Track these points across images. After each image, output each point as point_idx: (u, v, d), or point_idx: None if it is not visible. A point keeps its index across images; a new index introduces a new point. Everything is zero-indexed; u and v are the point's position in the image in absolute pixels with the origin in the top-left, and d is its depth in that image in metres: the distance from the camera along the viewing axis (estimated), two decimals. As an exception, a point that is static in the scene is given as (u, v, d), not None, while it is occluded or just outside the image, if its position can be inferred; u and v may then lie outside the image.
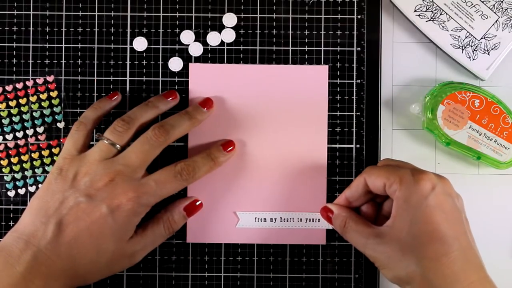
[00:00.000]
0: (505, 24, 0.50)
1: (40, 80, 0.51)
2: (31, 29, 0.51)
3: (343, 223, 0.45)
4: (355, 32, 0.52)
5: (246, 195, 0.51)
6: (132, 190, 0.44)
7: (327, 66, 0.51)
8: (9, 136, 0.51)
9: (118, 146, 0.45)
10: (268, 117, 0.51)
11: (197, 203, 0.49)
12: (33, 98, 0.51)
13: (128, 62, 0.51)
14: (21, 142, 0.51)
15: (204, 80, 0.51)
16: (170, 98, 0.49)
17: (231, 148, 0.49)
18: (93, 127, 0.48)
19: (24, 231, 0.43)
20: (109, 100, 0.49)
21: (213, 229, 0.51)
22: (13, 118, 0.51)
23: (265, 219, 0.51)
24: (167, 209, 0.48)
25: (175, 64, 0.52)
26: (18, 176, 0.51)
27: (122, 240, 0.44)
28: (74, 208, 0.43)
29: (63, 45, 0.51)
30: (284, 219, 0.51)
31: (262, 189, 0.51)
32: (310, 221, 0.51)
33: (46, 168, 0.51)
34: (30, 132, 0.51)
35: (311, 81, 0.51)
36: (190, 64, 0.51)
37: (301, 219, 0.51)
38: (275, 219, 0.51)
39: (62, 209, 0.43)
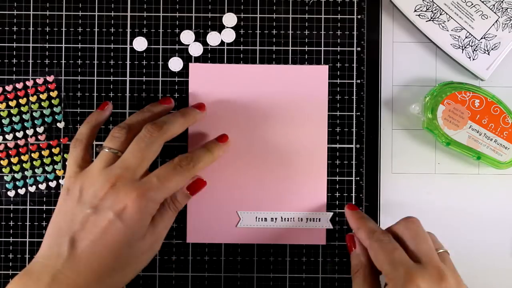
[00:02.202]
0: (505, 24, 0.50)
1: (40, 80, 0.51)
2: (31, 29, 0.51)
3: (356, 269, 0.45)
4: (355, 32, 0.52)
5: (246, 195, 0.51)
6: (134, 191, 0.43)
7: (327, 66, 0.51)
8: (9, 136, 0.51)
9: (118, 152, 0.45)
10: (268, 117, 0.51)
11: (200, 180, 0.49)
12: (33, 98, 0.51)
13: (128, 62, 0.51)
14: (21, 142, 0.51)
15: (204, 80, 0.51)
16: (165, 104, 0.50)
17: (225, 140, 0.49)
18: (89, 141, 0.47)
19: (43, 255, 0.43)
20: (101, 112, 0.49)
21: (214, 229, 0.51)
22: (13, 118, 0.51)
23: (265, 218, 0.51)
24: None
25: (175, 64, 0.52)
26: (18, 176, 0.51)
27: (138, 241, 0.44)
28: (84, 222, 0.43)
29: (63, 45, 0.51)
30: (285, 218, 0.51)
31: (263, 189, 0.51)
32: (310, 220, 0.51)
33: (46, 168, 0.51)
34: (30, 132, 0.51)
35: (311, 81, 0.51)
36: (190, 64, 0.51)
37: (301, 218, 0.51)
38: (276, 218, 0.51)
39: (73, 226, 0.43)
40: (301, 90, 0.51)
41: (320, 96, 0.51)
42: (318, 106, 0.51)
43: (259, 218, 0.51)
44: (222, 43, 0.52)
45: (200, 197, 0.50)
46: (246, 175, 0.51)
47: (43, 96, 0.51)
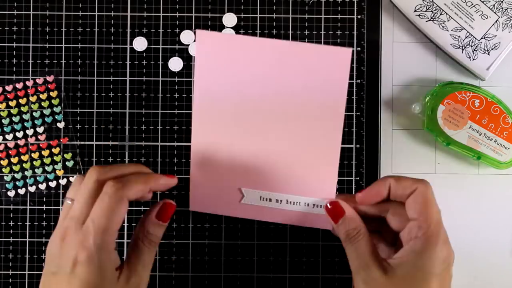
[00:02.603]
0: (505, 24, 0.50)
1: (40, 80, 0.51)
2: (31, 29, 0.51)
3: (356, 232, 0.42)
4: (355, 32, 0.52)
5: (251, 176, 0.47)
6: (79, 240, 0.39)
7: (350, 49, 0.45)
8: (9, 136, 0.51)
9: (69, 200, 0.42)
10: (280, 97, 0.46)
11: (168, 204, 0.44)
12: (33, 98, 0.51)
13: (128, 62, 0.51)
14: (21, 142, 0.51)
15: (212, 50, 0.46)
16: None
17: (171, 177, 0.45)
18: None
19: None
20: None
21: (217, 201, 0.48)
22: (13, 118, 0.51)
23: (270, 199, 0.48)
24: (140, 223, 0.43)
25: (175, 64, 0.52)
26: (18, 176, 0.51)
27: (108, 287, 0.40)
28: (48, 286, 0.40)
29: (63, 45, 0.51)
30: (290, 202, 0.47)
31: (270, 171, 0.47)
32: (318, 207, 0.47)
33: (46, 168, 0.51)
34: (30, 132, 0.51)
35: (330, 64, 0.45)
36: (197, 30, 0.46)
37: (308, 203, 0.47)
38: (281, 200, 0.47)
39: None
40: (318, 73, 0.46)
41: (339, 81, 0.46)
42: (335, 91, 0.46)
43: (264, 198, 0.48)
44: (222, 43, 0.52)
45: (204, 170, 0.47)
46: (254, 154, 0.47)
47: (43, 96, 0.51)
